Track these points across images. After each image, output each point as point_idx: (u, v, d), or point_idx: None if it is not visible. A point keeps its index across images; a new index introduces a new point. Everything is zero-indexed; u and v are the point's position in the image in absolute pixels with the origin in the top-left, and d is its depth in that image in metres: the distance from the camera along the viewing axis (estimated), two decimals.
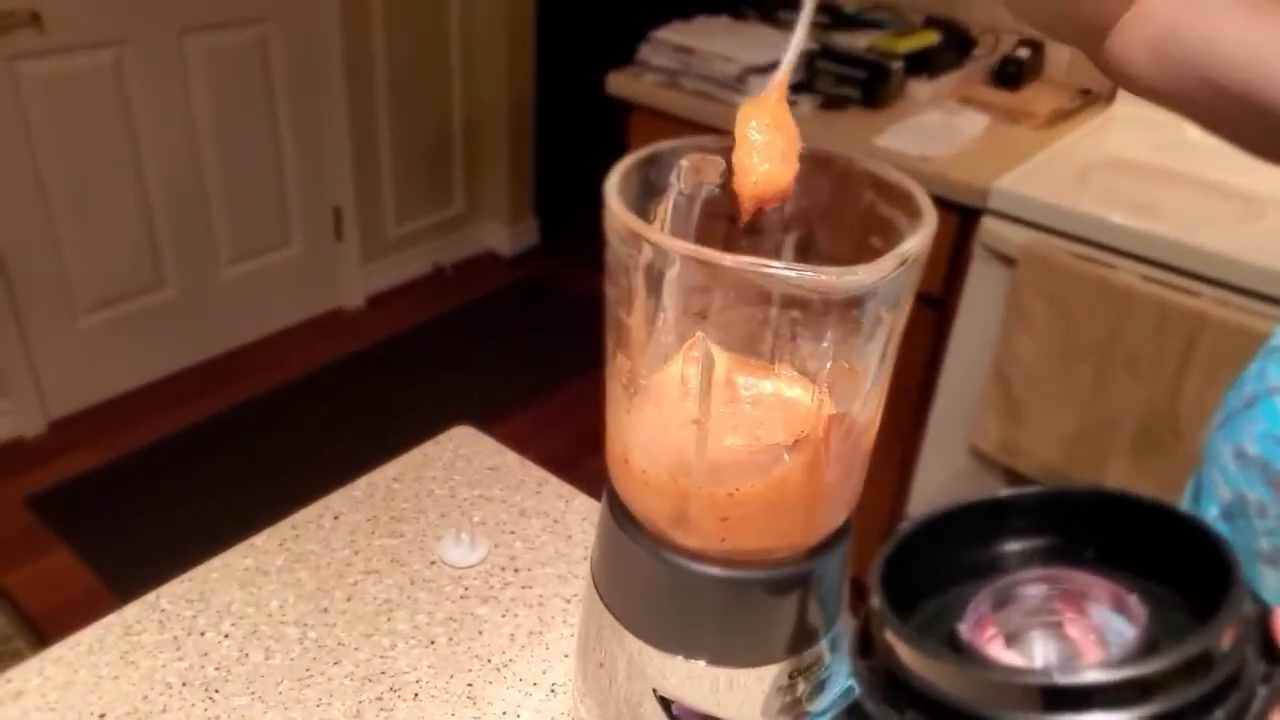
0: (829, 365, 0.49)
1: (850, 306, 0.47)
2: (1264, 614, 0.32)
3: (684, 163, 0.55)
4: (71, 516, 2.22)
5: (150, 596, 0.77)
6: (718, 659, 0.55)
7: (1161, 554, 0.34)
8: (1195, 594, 0.31)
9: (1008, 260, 1.61)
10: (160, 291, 2.59)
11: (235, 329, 2.80)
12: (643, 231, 0.46)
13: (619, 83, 2.04)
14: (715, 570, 0.53)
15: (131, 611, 0.76)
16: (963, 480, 1.80)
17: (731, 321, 0.52)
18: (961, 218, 1.67)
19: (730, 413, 0.50)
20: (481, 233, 3.40)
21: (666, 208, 0.55)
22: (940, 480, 1.83)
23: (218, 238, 2.66)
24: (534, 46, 3.15)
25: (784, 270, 0.43)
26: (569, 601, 0.80)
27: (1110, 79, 0.66)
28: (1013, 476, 1.74)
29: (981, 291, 1.68)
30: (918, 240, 0.44)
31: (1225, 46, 0.57)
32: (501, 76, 3.12)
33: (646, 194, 0.55)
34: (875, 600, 0.34)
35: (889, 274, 0.43)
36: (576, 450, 2.05)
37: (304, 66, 2.66)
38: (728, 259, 0.44)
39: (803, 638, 0.55)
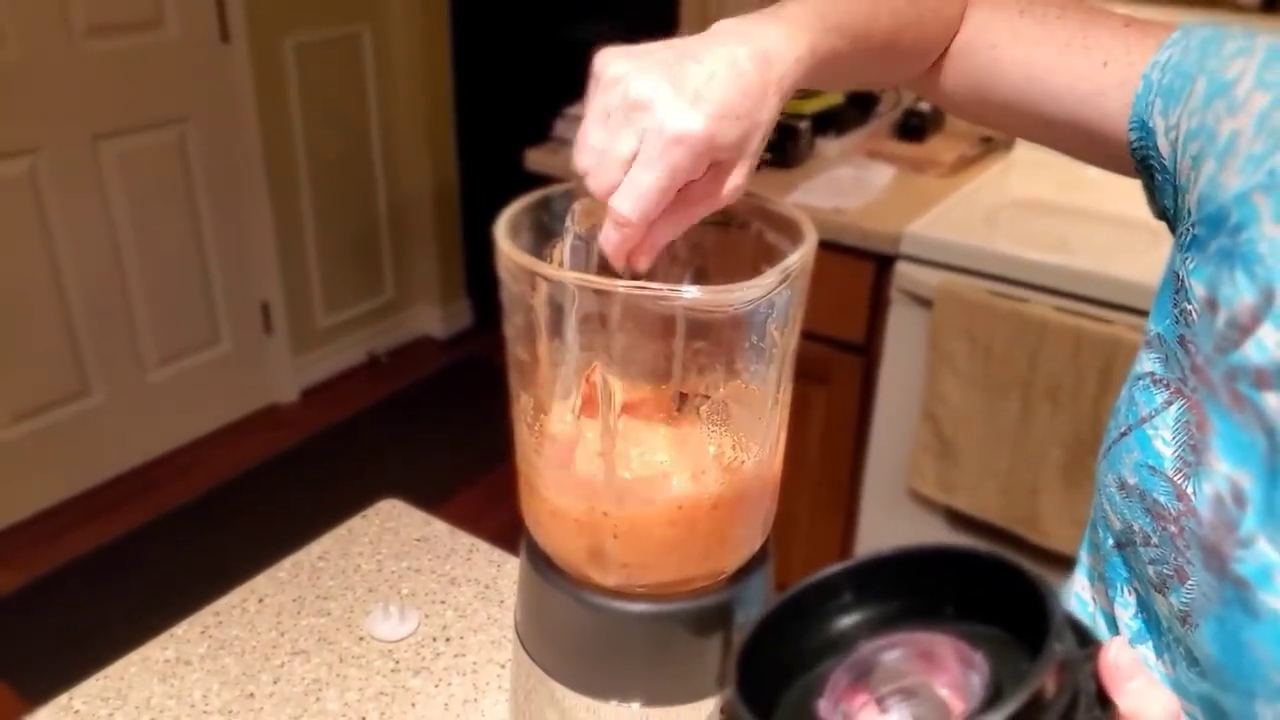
0: (728, 387, 0.50)
1: (744, 326, 0.48)
2: (1095, 653, 0.33)
3: (577, 206, 0.56)
4: None
5: (62, 699, 0.74)
6: (652, 699, 0.54)
7: (1004, 604, 0.35)
8: (1035, 642, 0.32)
9: (925, 302, 1.65)
10: (85, 399, 2.52)
11: (166, 432, 2.73)
12: (534, 267, 0.47)
13: (537, 159, 2.07)
14: (638, 606, 0.53)
15: (43, 716, 0.73)
16: (905, 523, 1.81)
17: (635, 358, 0.53)
18: (878, 265, 1.71)
19: (635, 441, 0.51)
20: (414, 317, 3.38)
21: (563, 250, 0.56)
22: (884, 525, 1.84)
23: (143, 340, 2.61)
24: (453, 128, 3.19)
25: (675, 291, 0.44)
26: (503, 667, 0.78)
27: (948, 112, 0.69)
28: (953, 516, 1.75)
29: (903, 336, 1.71)
30: (799, 255, 0.45)
31: (1045, 84, 0.60)
32: (424, 160, 3.14)
33: (542, 238, 0.56)
34: (729, 692, 0.34)
35: (774, 288, 0.44)
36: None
37: (224, 163, 2.66)
38: (620, 285, 0.45)
39: None
